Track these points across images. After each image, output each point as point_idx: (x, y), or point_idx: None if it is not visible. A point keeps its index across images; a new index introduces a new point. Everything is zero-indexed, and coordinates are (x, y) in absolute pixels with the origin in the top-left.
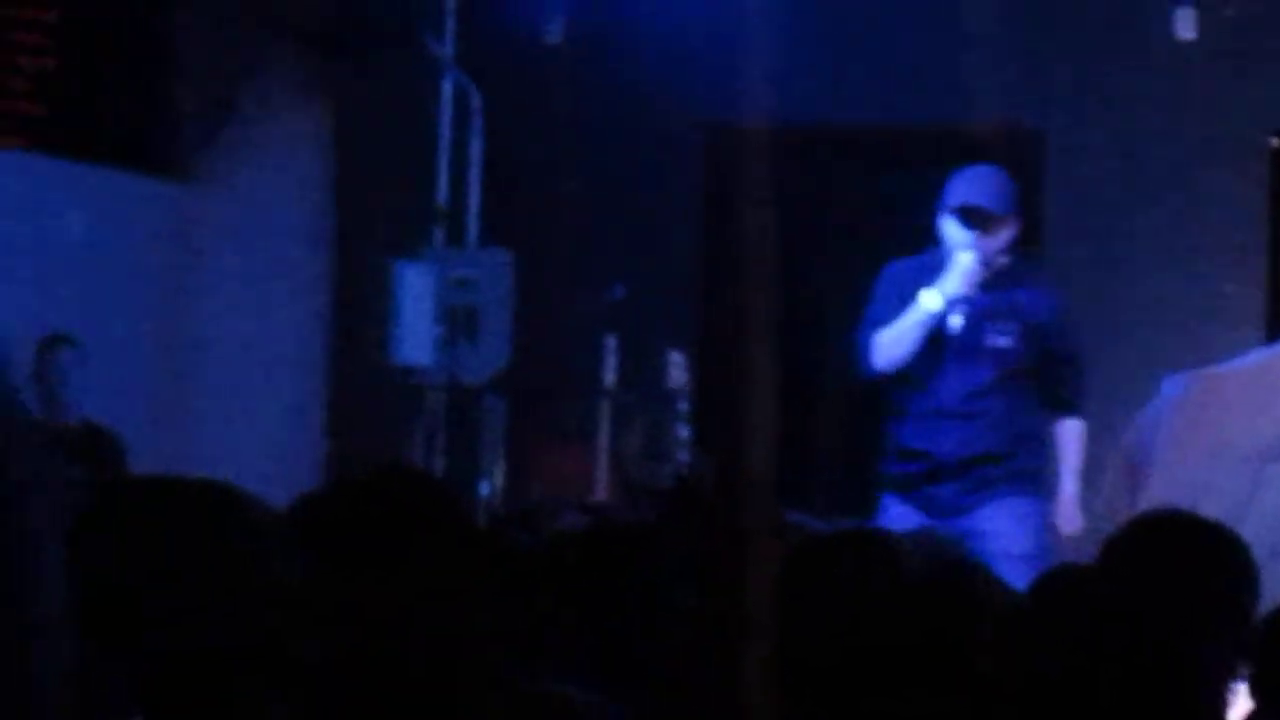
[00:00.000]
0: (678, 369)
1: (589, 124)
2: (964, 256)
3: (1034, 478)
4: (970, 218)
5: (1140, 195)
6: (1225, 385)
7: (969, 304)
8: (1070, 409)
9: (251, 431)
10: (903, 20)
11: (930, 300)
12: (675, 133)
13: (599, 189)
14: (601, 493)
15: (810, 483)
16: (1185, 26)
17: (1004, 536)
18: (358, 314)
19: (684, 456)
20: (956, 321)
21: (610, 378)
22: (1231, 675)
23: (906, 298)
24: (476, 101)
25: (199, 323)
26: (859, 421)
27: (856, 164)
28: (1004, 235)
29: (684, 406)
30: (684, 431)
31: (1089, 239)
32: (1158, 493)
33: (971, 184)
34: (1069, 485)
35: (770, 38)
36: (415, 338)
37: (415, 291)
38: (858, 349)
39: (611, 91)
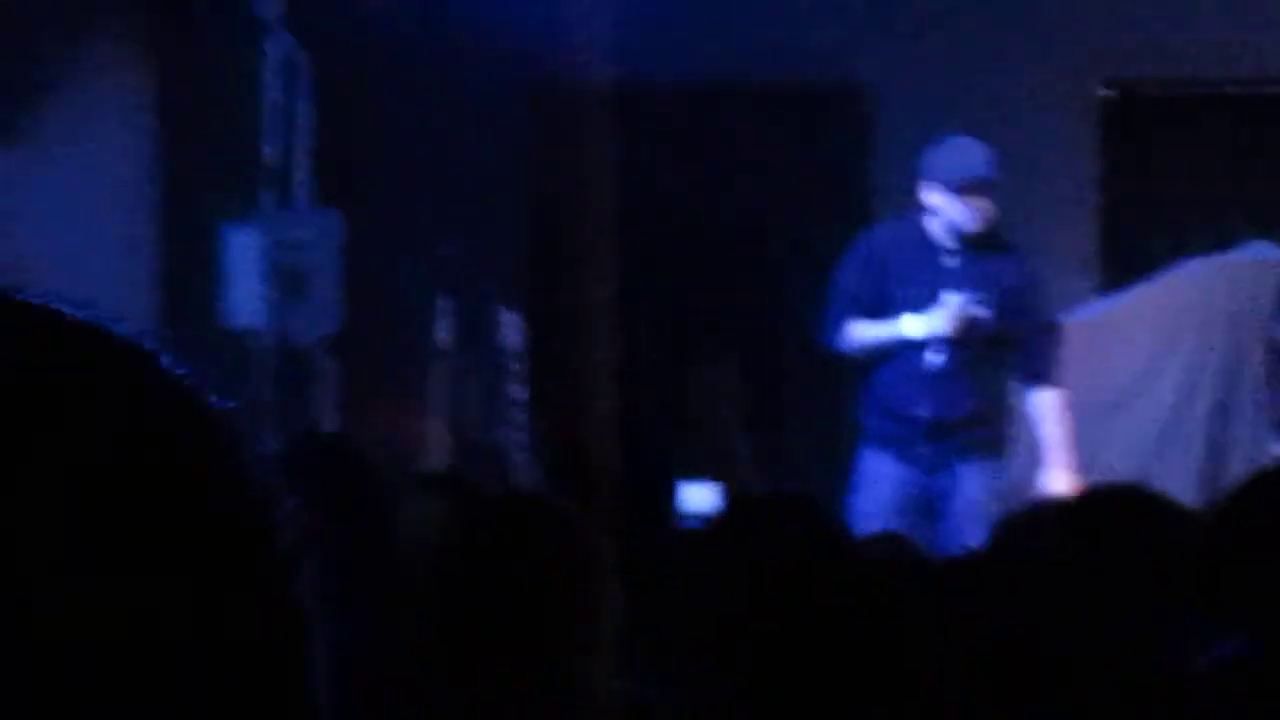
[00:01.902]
0: (512, 328)
1: (417, 82)
2: (952, 300)
3: (1006, 442)
4: (976, 190)
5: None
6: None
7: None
8: (1050, 380)
9: None
10: None
11: (911, 327)
12: (503, 89)
13: (429, 148)
14: (435, 456)
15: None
16: None
17: (975, 501)
18: (186, 278)
19: (520, 416)
20: (938, 360)
21: (444, 338)
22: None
23: (882, 275)
24: (303, 61)
25: (21, 289)
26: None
27: (687, 119)
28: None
29: (518, 367)
30: (520, 392)
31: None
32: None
33: (971, 155)
34: (1063, 457)
35: None
36: (245, 300)
37: (244, 254)
38: (825, 319)
39: (439, 48)
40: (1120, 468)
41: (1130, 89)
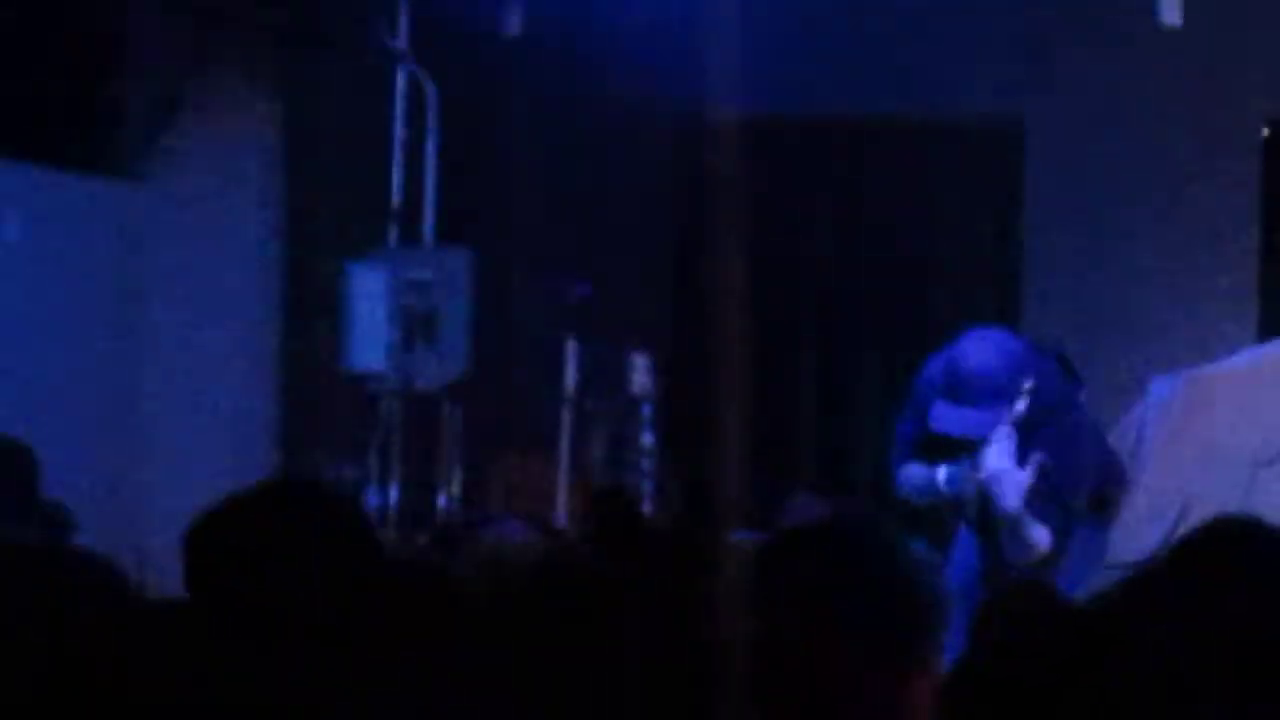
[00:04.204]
0: (642, 373)
1: (549, 118)
2: (1017, 477)
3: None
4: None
5: (1126, 188)
6: (1214, 387)
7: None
8: None
9: (201, 439)
10: (884, 9)
11: (944, 479)
12: (640, 126)
13: (560, 186)
14: (562, 503)
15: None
16: (1171, 13)
17: None
18: (310, 317)
19: (648, 464)
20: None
21: (572, 383)
22: None
23: (926, 417)
24: (432, 95)
25: (145, 327)
26: None
27: (832, 156)
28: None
29: (648, 412)
30: (649, 439)
31: (1072, 234)
32: (1148, 495)
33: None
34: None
35: (742, 26)
36: (368, 342)
37: (368, 293)
38: (890, 463)
39: (573, 84)
40: (1273, 520)
41: None
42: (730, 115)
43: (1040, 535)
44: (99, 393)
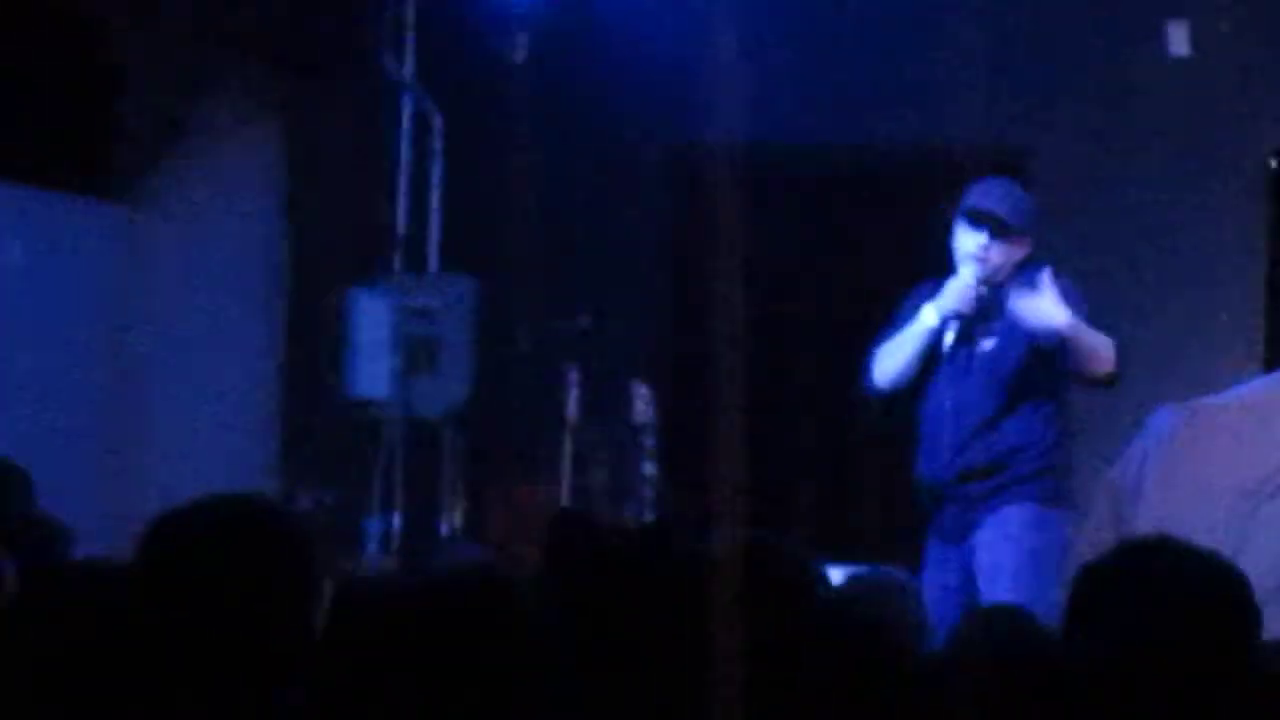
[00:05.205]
0: (643, 402)
1: (553, 146)
2: (964, 271)
3: (1031, 484)
4: (981, 222)
5: (1133, 218)
6: (1217, 419)
7: (961, 321)
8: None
9: (201, 463)
10: (887, 37)
11: (927, 315)
12: (643, 155)
13: (563, 213)
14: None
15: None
16: (1178, 43)
17: (992, 549)
18: (312, 344)
19: (649, 493)
20: (949, 339)
21: (573, 411)
22: None
23: (914, 316)
24: (437, 122)
25: (146, 350)
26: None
27: (824, 188)
28: (1013, 250)
29: (650, 442)
30: (650, 468)
31: (1078, 263)
32: (1146, 527)
33: (989, 192)
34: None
35: (742, 56)
36: (371, 369)
37: (371, 321)
38: (865, 367)
39: (577, 112)
40: (1273, 554)
41: None
42: (725, 145)
43: (1100, 339)
44: (98, 418)
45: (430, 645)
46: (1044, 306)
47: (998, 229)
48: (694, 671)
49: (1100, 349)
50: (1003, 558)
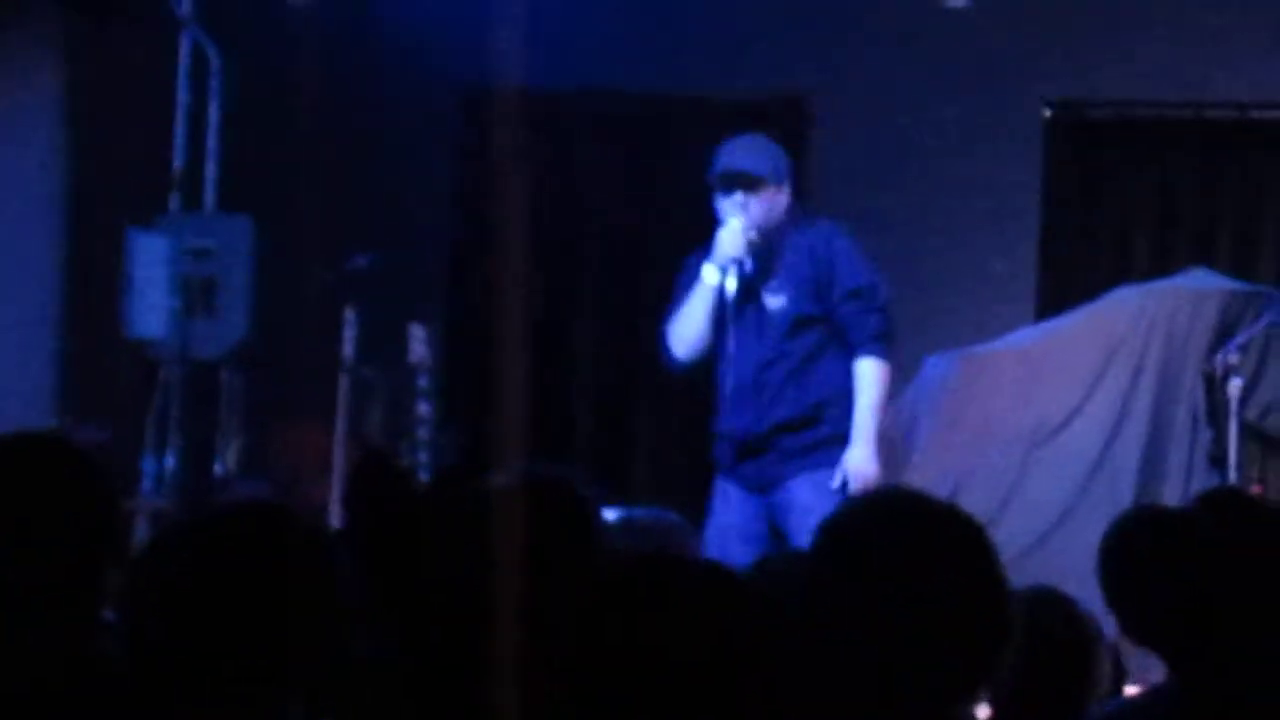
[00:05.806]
0: (420, 343)
1: (335, 87)
2: (732, 221)
3: (844, 443)
4: (732, 183)
5: (908, 166)
6: (990, 367)
7: (741, 270)
8: (863, 348)
9: None
10: None
11: (708, 274)
12: (428, 98)
13: (344, 155)
14: (339, 471)
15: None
16: None
17: (807, 511)
18: (91, 283)
19: (425, 434)
20: (732, 286)
21: (350, 352)
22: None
23: (695, 281)
24: (215, 62)
25: None
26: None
27: (616, 132)
28: (773, 201)
29: (425, 381)
30: (426, 408)
31: (855, 211)
32: (920, 476)
33: (732, 152)
34: (858, 431)
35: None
36: (149, 309)
37: (150, 260)
38: (662, 344)
39: (359, 53)
40: (1046, 500)
41: (1073, 110)
42: (514, 88)
43: (879, 391)
44: None
45: (223, 573)
46: (862, 475)
47: (748, 184)
48: (481, 608)
49: (884, 394)
50: (815, 519)
